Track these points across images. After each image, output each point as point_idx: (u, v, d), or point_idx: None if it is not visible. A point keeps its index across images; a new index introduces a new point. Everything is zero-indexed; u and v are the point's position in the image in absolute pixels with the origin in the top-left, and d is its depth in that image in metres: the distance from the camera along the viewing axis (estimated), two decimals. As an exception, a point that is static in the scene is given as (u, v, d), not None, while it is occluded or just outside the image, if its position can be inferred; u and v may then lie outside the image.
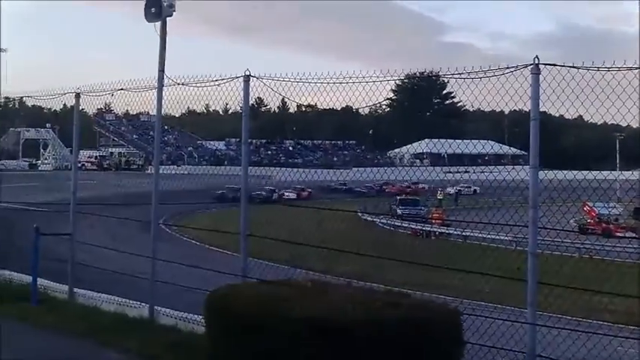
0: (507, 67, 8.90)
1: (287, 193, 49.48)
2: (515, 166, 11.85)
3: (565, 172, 10.67)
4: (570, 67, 8.50)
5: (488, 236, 17.49)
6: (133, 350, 10.85)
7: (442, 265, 11.86)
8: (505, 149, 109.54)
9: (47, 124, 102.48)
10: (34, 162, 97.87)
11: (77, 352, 11.27)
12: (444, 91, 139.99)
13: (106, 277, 15.07)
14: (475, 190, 48.59)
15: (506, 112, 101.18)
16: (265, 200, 45.75)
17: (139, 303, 12.93)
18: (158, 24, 12.71)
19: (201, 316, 10.15)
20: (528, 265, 8.56)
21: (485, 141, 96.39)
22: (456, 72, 9.51)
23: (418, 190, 48.36)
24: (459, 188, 51.42)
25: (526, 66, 8.71)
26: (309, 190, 48.75)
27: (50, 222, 18.40)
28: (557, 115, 12.49)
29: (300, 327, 7.46)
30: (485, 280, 10.62)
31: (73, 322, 12.40)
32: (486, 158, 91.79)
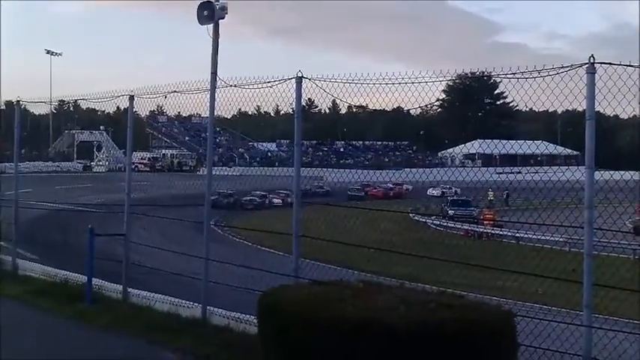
0: (562, 67, 8.80)
1: (275, 200, 49.78)
2: (569, 167, 11.69)
3: (620, 172, 10.47)
4: (627, 65, 8.38)
5: (542, 237, 17.31)
6: (186, 350, 10.95)
7: (495, 266, 11.76)
8: (558, 150, 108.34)
9: (101, 127, 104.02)
10: (88, 164, 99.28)
11: (131, 352, 11.39)
12: (496, 92, 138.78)
13: (159, 277, 15.23)
14: (456, 192, 48.82)
15: (560, 112, 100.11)
16: (258, 207, 46.81)
17: (191, 303, 13.04)
18: (211, 26, 12.81)
19: (253, 316, 10.19)
20: (584, 266, 8.45)
21: (538, 141, 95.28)
22: (510, 72, 9.42)
23: (402, 192, 48.74)
24: (442, 190, 52.13)
25: (581, 65, 8.60)
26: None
27: (104, 223, 18.67)
28: (611, 114, 12.29)
29: (353, 328, 7.44)
30: (539, 282, 10.49)
31: (127, 322, 12.54)
32: (539, 159, 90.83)
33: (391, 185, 49.12)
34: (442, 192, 52.60)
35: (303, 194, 11.54)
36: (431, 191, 46.35)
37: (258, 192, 47.06)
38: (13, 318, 13.61)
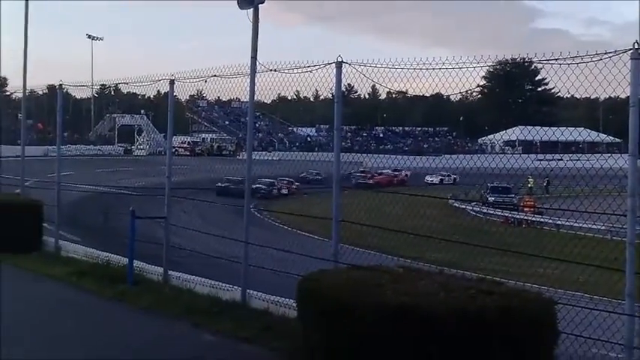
0: (606, 52, 8.68)
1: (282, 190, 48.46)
2: (612, 154, 11.58)
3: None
4: (673, 51, 8.25)
5: (584, 225, 17.14)
6: (226, 332, 11.03)
7: (535, 253, 11.68)
8: (600, 137, 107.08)
9: (141, 111, 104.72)
10: (128, 147, 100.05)
11: (172, 333, 11.49)
12: (537, 78, 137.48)
13: (199, 260, 15.35)
14: (455, 179, 47.65)
15: (602, 99, 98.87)
16: (265, 196, 45.00)
17: (231, 286, 13.12)
18: (250, 11, 12.83)
19: (292, 300, 10.24)
20: (626, 255, 8.37)
21: (580, 128, 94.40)
22: (552, 57, 9.32)
23: (403, 179, 45.54)
24: (440, 177, 51.73)
25: (625, 51, 8.47)
26: (297, 183, 47.74)
27: (145, 206, 18.85)
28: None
29: (392, 313, 7.45)
30: (580, 270, 10.41)
31: (168, 304, 12.67)
32: (580, 146, 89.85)
33: (391, 171, 47.91)
34: (440, 179, 50.99)
35: (300, 181, 11.58)
36: (428, 178, 46.03)
37: (265, 180, 44.38)
38: (56, 299, 13.83)
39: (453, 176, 48.94)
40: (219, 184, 33.79)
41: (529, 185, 42.66)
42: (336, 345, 8.00)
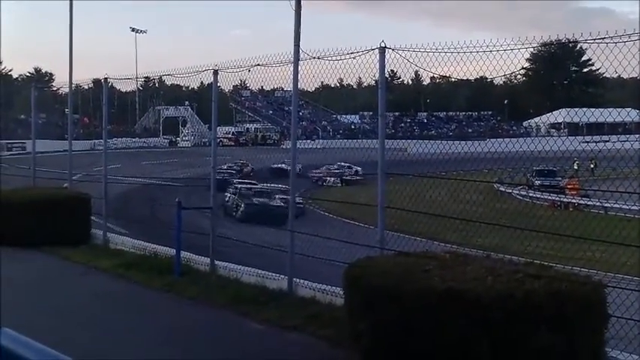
0: (654, 30, 8.53)
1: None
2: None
3: None
4: None
5: (633, 207, 16.91)
6: (273, 321, 11.07)
7: (582, 236, 11.55)
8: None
9: (185, 102, 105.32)
10: (173, 139, 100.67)
11: (220, 322, 11.58)
12: (582, 59, 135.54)
13: (246, 249, 15.42)
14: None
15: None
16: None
17: (277, 275, 13.16)
18: (293, -1, 12.81)
19: (339, 288, 10.24)
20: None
21: (627, 109, 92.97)
22: (597, 37, 9.17)
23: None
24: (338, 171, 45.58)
25: (674, 28, 8.32)
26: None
27: (191, 197, 18.97)
28: None
29: (440, 299, 7.42)
30: (630, 252, 10.25)
31: (215, 293, 12.75)
32: (627, 127, 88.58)
33: (337, 169, 44.69)
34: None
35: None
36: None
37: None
38: (106, 290, 13.99)
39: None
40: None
41: (575, 168, 42.16)
42: (383, 332, 7.99)
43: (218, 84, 15.27)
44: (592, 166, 39.96)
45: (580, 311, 7.45)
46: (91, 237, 18.90)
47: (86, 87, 25.90)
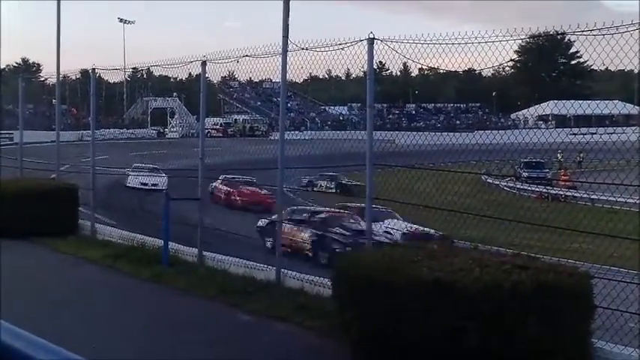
0: (640, 23, 8.56)
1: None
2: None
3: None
4: None
5: (619, 199, 16.99)
6: (261, 312, 11.09)
7: (570, 228, 11.60)
8: (636, 109, 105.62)
9: (174, 93, 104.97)
10: (161, 130, 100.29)
11: (208, 313, 11.59)
12: (570, 51, 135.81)
13: (234, 240, 15.42)
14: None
15: (637, 71, 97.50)
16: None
17: (265, 266, 13.17)
18: (281, -11, 12.78)
19: (326, 279, 10.27)
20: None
21: (614, 101, 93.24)
22: (585, 29, 9.21)
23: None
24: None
25: (660, 21, 8.35)
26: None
27: (179, 188, 18.94)
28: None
29: (428, 289, 7.46)
30: (616, 244, 10.31)
31: (203, 284, 12.76)
32: (614, 119, 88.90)
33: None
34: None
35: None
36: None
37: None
38: (95, 280, 13.98)
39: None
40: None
41: (559, 159, 42.30)
42: (371, 322, 8.02)
43: (206, 75, 15.25)
44: (578, 159, 40.11)
45: (567, 302, 7.50)
46: (79, 228, 18.85)
47: (74, 78, 25.83)
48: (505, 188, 38.45)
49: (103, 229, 18.79)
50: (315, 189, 36.73)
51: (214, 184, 30.86)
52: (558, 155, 40.24)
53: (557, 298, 7.43)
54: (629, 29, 8.64)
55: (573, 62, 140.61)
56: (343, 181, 34.30)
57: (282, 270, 12.68)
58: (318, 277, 11.68)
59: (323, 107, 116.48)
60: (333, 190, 34.83)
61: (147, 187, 27.49)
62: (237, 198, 28.35)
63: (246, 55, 13.79)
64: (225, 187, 29.68)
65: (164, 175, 25.39)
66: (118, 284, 13.78)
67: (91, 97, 19.66)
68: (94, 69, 19.31)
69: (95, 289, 13.27)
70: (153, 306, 12.23)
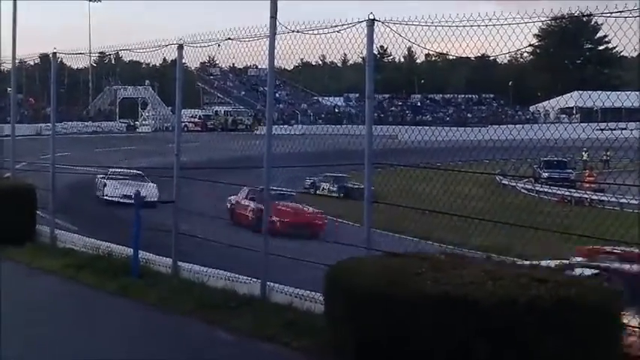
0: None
1: None
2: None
3: None
4: None
5: (652, 204, 17.05)
6: (244, 330, 11.08)
7: (596, 235, 11.62)
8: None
9: (146, 81, 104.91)
10: (131, 123, 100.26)
11: (183, 331, 11.57)
12: (598, 35, 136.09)
13: (213, 249, 15.40)
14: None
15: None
16: None
17: (249, 278, 13.16)
18: (268, -37, 12.77)
19: (319, 294, 10.26)
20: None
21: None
22: (615, 10, 9.21)
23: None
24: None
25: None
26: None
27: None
28: None
29: (433, 305, 7.46)
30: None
31: (178, 299, 12.74)
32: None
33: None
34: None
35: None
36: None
37: None
38: (53, 294, 13.95)
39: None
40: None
41: (583, 158, 42.32)
42: (370, 341, 8.03)
43: (183, 60, 15.23)
44: (605, 157, 40.18)
45: (592, 320, 7.50)
46: (37, 234, 18.79)
47: (32, 63, 25.75)
48: (523, 191, 38.53)
49: (64, 236, 18.75)
50: (317, 192, 37.12)
51: (234, 198, 28.78)
52: (583, 153, 40.32)
53: (581, 315, 7.43)
54: (664, 10, 8.64)
55: (601, 48, 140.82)
56: (348, 184, 33.47)
57: (268, 283, 12.66)
58: (308, 292, 11.67)
59: (316, 98, 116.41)
60: (336, 194, 34.94)
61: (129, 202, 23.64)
62: (276, 219, 23.11)
63: (229, 39, 13.78)
64: (252, 204, 26.35)
65: (151, 182, 23.84)
66: (79, 298, 13.76)
67: (52, 86, 19.61)
68: (54, 53, 19.26)
69: (53, 303, 13.23)
70: (119, 323, 12.20)
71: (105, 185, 29.44)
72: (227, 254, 14.84)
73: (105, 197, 28.26)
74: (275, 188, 19.93)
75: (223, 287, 13.20)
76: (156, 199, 18.81)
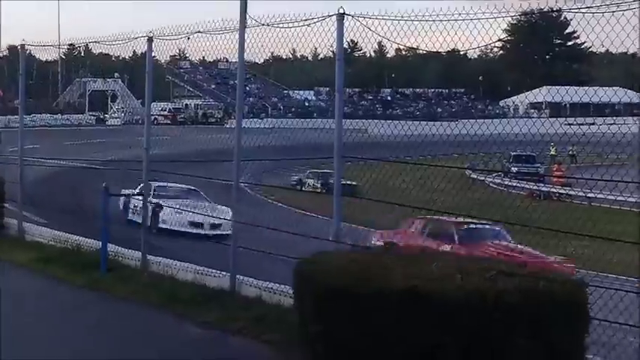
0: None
1: None
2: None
3: None
4: None
5: (619, 198, 17.17)
6: (214, 324, 11.06)
7: (563, 229, 11.69)
8: (638, 97, 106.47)
9: (115, 74, 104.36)
10: (101, 116, 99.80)
11: (153, 325, 11.55)
12: (566, 31, 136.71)
13: (182, 243, 15.38)
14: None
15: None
16: None
17: (218, 272, 13.14)
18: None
19: (288, 287, 10.25)
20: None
21: (615, 88, 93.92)
22: (584, 6, 9.25)
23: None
24: None
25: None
26: None
27: (121, 182, 18.83)
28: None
29: (402, 299, 7.46)
30: (616, 248, 10.42)
31: (147, 292, 12.71)
32: (616, 108, 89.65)
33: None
34: None
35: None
36: None
37: None
38: (20, 288, 13.84)
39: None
40: None
41: (551, 153, 42.56)
42: (338, 335, 8.02)
43: (153, 53, 15.18)
44: (572, 152, 40.36)
45: (559, 313, 7.53)
46: (5, 227, 18.70)
47: (0, 55, 25.57)
48: (492, 185, 38.71)
49: (32, 229, 18.64)
50: (303, 188, 37.35)
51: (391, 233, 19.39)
52: (551, 148, 40.51)
53: (549, 308, 7.46)
54: (632, 6, 8.68)
55: (570, 43, 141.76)
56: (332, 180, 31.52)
57: (238, 276, 12.64)
58: (278, 285, 11.67)
59: (286, 92, 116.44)
60: (320, 190, 34.06)
61: (203, 232, 21.24)
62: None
63: (199, 32, 13.75)
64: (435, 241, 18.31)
65: (219, 204, 20.38)
66: (47, 292, 13.68)
67: (20, 78, 19.46)
68: (23, 45, 19.13)
69: (20, 297, 13.11)
70: (88, 316, 12.13)
71: (155, 209, 20.88)
72: (197, 248, 14.83)
73: (162, 226, 21.01)
74: (469, 221, 18.03)
75: (193, 280, 13.19)
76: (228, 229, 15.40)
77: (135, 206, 20.54)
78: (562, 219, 13.62)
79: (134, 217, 20.04)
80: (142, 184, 15.74)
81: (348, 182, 13.08)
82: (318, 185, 36.23)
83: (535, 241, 14.11)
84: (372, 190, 12.42)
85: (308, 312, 8.59)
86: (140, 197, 16.23)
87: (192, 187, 23.61)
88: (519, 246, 18.22)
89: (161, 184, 22.89)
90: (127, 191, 18.03)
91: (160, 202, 21.29)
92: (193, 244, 14.90)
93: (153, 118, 16.75)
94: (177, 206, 20.95)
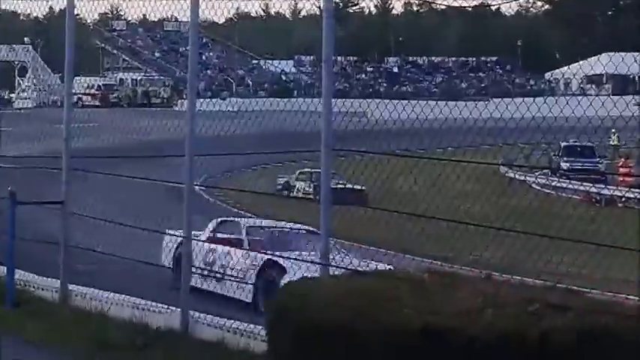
0: None
1: None
2: None
3: None
4: None
5: None
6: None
7: (632, 247, 11.70)
8: None
9: (25, 39, 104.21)
10: (6, 96, 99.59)
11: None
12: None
13: (116, 267, 15.36)
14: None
15: None
16: None
17: (165, 307, 13.12)
18: None
19: (259, 326, 10.26)
20: None
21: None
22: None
23: None
24: None
25: None
26: None
27: (34, 185, 18.81)
28: None
29: (414, 341, 7.48)
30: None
31: (68, 334, 12.68)
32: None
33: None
34: None
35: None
36: None
37: None
38: None
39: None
40: None
41: (612, 143, 42.69)
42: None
43: (76, 11, 15.15)
44: None
45: (620, 355, 7.55)
46: None
47: None
48: (535, 186, 38.84)
49: None
50: (292, 194, 38.41)
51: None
52: (613, 137, 40.57)
53: (613, 353, 7.48)
54: None
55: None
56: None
57: (192, 312, 12.63)
58: (245, 324, 11.66)
59: (257, 61, 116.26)
60: (313, 197, 33.77)
61: None
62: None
63: (138, -19, 13.75)
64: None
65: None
66: None
67: None
68: None
69: None
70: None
71: (266, 271, 17.25)
72: (136, 275, 14.81)
73: None
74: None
75: (130, 318, 13.17)
76: None
77: (208, 262, 17.74)
78: (630, 232, 13.65)
79: (203, 283, 17.09)
80: (215, 221, 15.34)
81: (355, 187, 13.05)
82: (310, 190, 36.57)
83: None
84: (371, 195, 12.44)
85: (286, 355, 8.60)
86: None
87: (310, 228, 18.23)
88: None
89: (257, 221, 21.04)
90: (176, 232, 15.36)
91: (274, 256, 17.58)
92: (131, 269, 14.85)
93: (76, 98, 16.70)
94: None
